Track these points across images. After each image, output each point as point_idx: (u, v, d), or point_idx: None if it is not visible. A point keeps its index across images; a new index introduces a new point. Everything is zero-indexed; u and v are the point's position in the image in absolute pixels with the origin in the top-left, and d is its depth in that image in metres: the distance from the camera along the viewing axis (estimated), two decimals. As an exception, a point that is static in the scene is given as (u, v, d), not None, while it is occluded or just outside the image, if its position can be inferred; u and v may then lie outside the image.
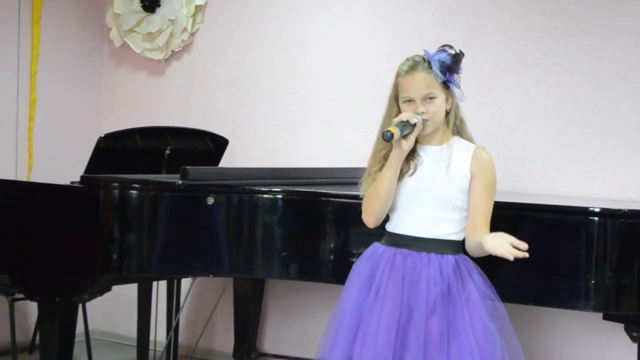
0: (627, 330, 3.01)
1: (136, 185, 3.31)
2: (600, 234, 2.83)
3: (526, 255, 2.41)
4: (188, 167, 3.35)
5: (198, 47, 4.85)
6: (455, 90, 2.63)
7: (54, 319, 3.32)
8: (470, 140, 2.70)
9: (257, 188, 3.31)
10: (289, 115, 4.52)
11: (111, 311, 5.03)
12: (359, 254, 2.81)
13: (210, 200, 3.27)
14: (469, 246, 2.63)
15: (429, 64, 2.62)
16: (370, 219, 2.70)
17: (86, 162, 3.91)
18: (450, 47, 2.64)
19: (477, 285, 2.59)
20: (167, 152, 4.12)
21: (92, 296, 3.49)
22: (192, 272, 3.69)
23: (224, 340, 4.63)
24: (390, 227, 2.70)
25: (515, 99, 3.89)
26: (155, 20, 4.86)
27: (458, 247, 2.65)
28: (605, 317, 3.12)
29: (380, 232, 2.75)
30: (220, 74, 4.76)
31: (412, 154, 2.65)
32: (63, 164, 4.72)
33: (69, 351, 3.40)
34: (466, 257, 2.65)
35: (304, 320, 4.41)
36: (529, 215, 2.93)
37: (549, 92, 3.81)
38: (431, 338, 2.52)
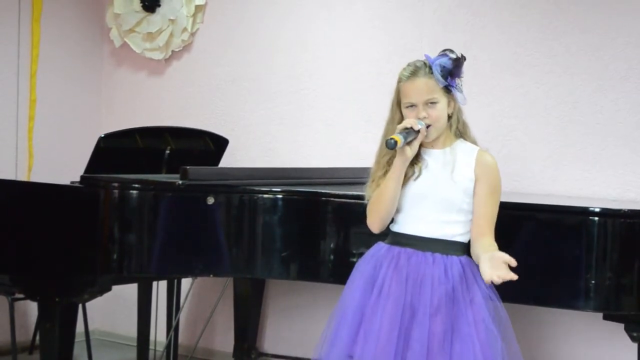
0: (627, 330, 3.01)
1: (136, 185, 3.31)
2: (600, 234, 2.83)
3: (514, 277, 2.38)
4: (188, 167, 3.35)
5: (198, 47, 4.85)
6: (457, 95, 2.63)
7: (54, 319, 3.32)
8: (473, 142, 2.70)
9: (257, 188, 3.31)
10: (289, 115, 4.53)
11: (111, 311, 5.03)
12: (360, 254, 2.81)
13: (211, 200, 3.27)
14: (473, 252, 2.63)
15: (430, 68, 2.61)
16: (375, 224, 2.70)
17: (86, 162, 3.91)
18: (452, 51, 2.64)
19: (480, 287, 2.59)
20: (167, 152, 4.12)
21: (92, 296, 3.49)
22: (192, 272, 3.69)
23: (224, 340, 4.63)
24: (394, 228, 2.70)
25: (515, 99, 3.89)
26: (156, 20, 4.86)
27: (463, 248, 2.65)
28: (605, 317, 3.12)
29: (381, 232, 2.75)
30: (220, 74, 4.76)
31: (416, 158, 2.65)
32: (63, 164, 4.73)
33: (69, 351, 3.40)
34: (471, 258, 2.65)
35: (304, 320, 4.41)
36: (529, 215, 2.93)
37: (549, 92, 3.81)
38: (434, 338, 2.52)
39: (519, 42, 3.88)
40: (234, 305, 4.37)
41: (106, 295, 3.57)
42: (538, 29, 3.84)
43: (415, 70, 2.63)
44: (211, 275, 3.54)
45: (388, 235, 2.73)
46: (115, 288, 3.58)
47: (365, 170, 2.83)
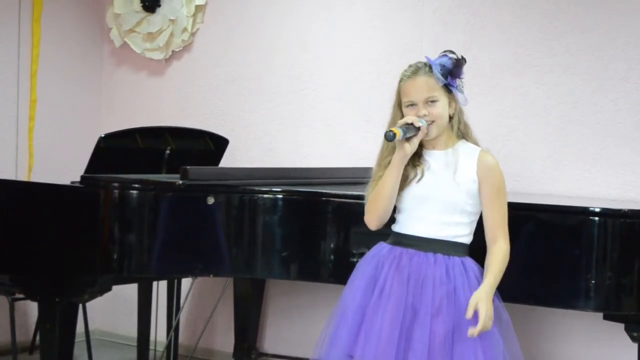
0: (627, 330, 3.01)
1: (136, 185, 3.31)
2: (600, 234, 2.83)
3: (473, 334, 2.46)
4: (188, 167, 3.35)
5: (198, 47, 4.85)
6: (458, 95, 2.64)
7: (54, 319, 3.32)
8: (475, 143, 2.70)
9: (257, 188, 3.31)
10: (289, 115, 4.53)
11: (111, 311, 5.02)
12: (360, 254, 2.81)
13: (211, 200, 3.27)
14: (487, 255, 2.63)
15: (430, 68, 2.62)
16: (372, 221, 2.70)
17: (86, 162, 3.91)
18: (452, 52, 2.65)
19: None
20: (167, 152, 4.12)
21: (92, 296, 3.49)
22: (192, 272, 3.69)
23: (224, 340, 4.63)
24: (396, 228, 2.70)
25: (515, 99, 3.89)
26: (156, 20, 4.86)
27: (466, 249, 2.65)
28: (605, 317, 3.12)
29: (381, 232, 2.75)
30: (220, 74, 4.76)
31: (418, 160, 2.65)
32: (63, 164, 4.72)
33: (69, 351, 3.40)
34: (472, 260, 2.64)
35: (304, 320, 4.41)
36: (529, 215, 2.93)
37: (549, 92, 3.81)
38: (436, 339, 2.52)
39: (519, 42, 3.88)
40: (234, 305, 4.37)
41: (106, 295, 3.57)
42: (538, 29, 3.84)
43: (415, 70, 2.64)
44: (211, 275, 3.54)
45: (389, 235, 2.73)
46: (115, 288, 3.58)
47: (365, 170, 2.83)
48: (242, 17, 4.69)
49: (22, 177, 4.73)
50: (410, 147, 2.58)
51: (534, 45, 3.85)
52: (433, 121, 2.60)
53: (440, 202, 2.61)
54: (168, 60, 4.94)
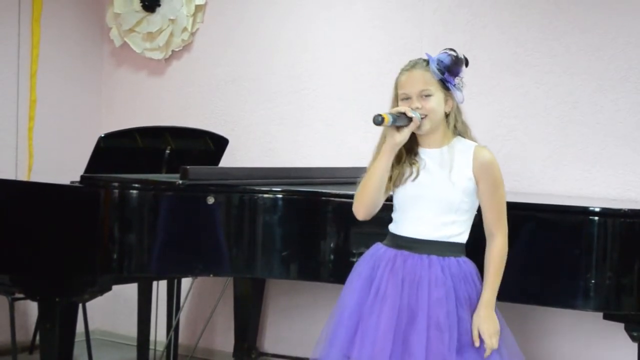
0: (627, 330, 3.01)
1: (136, 185, 3.31)
2: (600, 234, 2.83)
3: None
4: (188, 167, 3.35)
5: (198, 46, 4.85)
6: (456, 93, 2.63)
7: (54, 318, 3.32)
8: (472, 140, 2.69)
9: (257, 188, 3.31)
10: (289, 115, 4.53)
11: (111, 311, 5.02)
12: (360, 254, 2.81)
13: (211, 200, 3.27)
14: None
15: (428, 63, 2.62)
16: (360, 210, 2.69)
17: (86, 162, 3.91)
18: (453, 50, 2.64)
19: (477, 286, 2.59)
20: (167, 152, 4.12)
21: (92, 296, 3.49)
22: (192, 272, 3.69)
23: (224, 340, 4.63)
24: (392, 228, 2.70)
25: (515, 99, 3.89)
26: (156, 20, 4.86)
27: (461, 249, 2.64)
28: (605, 317, 3.12)
29: (380, 232, 2.75)
30: (220, 74, 4.76)
31: (414, 158, 2.64)
32: (63, 164, 4.72)
33: (69, 351, 3.40)
34: (468, 260, 2.64)
35: (304, 320, 4.41)
36: (529, 215, 2.93)
37: (549, 92, 3.81)
38: (433, 339, 2.52)
39: (519, 42, 3.88)
40: (234, 305, 4.37)
41: (106, 295, 3.58)
42: (538, 29, 3.84)
43: (413, 64, 2.64)
44: (211, 275, 3.54)
45: (387, 235, 2.72)
46: (115, 288, 3.58)
47: (365, 170, 2.83)
48: (242, 17, 4.69)
49: (22, 177, 4.73)
50: (401, 137, 2.56)
51: (534, 45, 3.85)
52: (426, 115, 2.58)
53: (436, 202, 2.60)
54: (168, 60, 4.94)
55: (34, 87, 4.84)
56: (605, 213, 2.84)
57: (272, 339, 4.57)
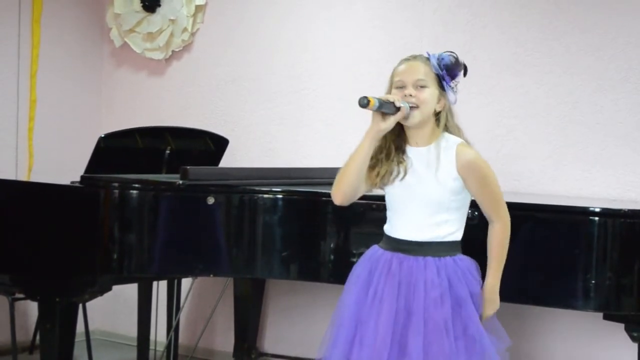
0: (627, 330, 3.01)
1: (136, 185, 3.31)
2: (600, 234, 2.83)
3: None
4: (188, 167, 3.35)
5: (198, 47, 4.85)
6: (450, 94, 2.62)
7: (54, 319, 3.32)
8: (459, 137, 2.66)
9: (257, 188, 3.31)
10: (289, 115, 4.53)
11: (111, 311, 5.02)
12: (359, 254, 2.80)
13: (211, 200, 3.27)
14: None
15: (429, 58, 2.63)
16: (337, 195, 2.66)
17: (86, 162, 3.91)
18: (454, 53, 2.64)
19: (478, 283, 2.59)
20: (167, 152, 4.12)
21: (92, 296, 3.49)
22: (192, 272, 3.70)
23: (224, 340, 4.63)
24: (387, 230, 2.69)
25: (515, 99, 3.89)
26: (156, 20, 4.86)
27: (456, 246, 2.63)
28: (605, 317, 3.12)
29: (381, 233, 2.74)
30: (220, 74, 4.76)
31: (402, 156, 2.63)
32: (63, 164, 4.72)
33: (69, 351, 3.40)
34: (464, 257, 2.64)
35: (304, 320, 4.41)
36: (529, 215, 2.93)
37: (549, 92, 3.81)
38: (430, 339, 2.52)
39: (519, 42, 3.88)
40: (234, 305, 4.37)
41: (106, 295, 3.58)
42: (538, 29, 3.84)
43: (415, 56, 2.65)
44: (211, 276, 3.54)
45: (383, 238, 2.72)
46: (115, 288, 3.58)
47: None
48: (242, 17, 4.69)
49: (22, 177, 4.73)
50: (385, 124, 2.54)
51: (534, 45, 3.85)
52: (417, 106, 2.56)
53: (425, 203, 2.59)
54: (168, 60, 4.94)
55: (34, 87, 4.84)
56: (605, 213, 2.84)
57: (272, 339, 4.57)
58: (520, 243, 2.84)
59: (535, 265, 2.89)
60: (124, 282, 3.94)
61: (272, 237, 3.28)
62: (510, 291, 2.71)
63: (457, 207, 2.61)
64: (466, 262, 2.62)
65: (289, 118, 4.53)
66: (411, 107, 2.56)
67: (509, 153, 3.84)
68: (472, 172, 2.58)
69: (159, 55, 4.92)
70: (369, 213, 3.07)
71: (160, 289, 4.33)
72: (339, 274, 3.03)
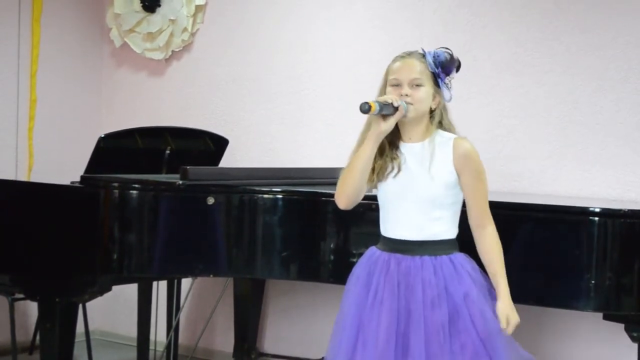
0: (627, 330, 3.01)
1: (136, 185, 3.31)
2: (600, 234, 2.83)
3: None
4: (188, 167, 3.35)
5: (198, 47, 4.85)
6: (444, 91, 2.62)
7: (54, 319, 3.32)
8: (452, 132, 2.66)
9: (257, 188, 3.31)
10: (289, 115, 4.53)
11: (111, 311, 5.02)
12: (359, 254, 2.81)
13: (211, 200, 3.27)
14: (477, 247, 2.63)
15: (424, 56, 2.63)
16: (342, 199, 2.67)
17: (86, 162, 3.91)
18: (449, 49, 2.64)
19: (474, 280, 2.59)
20: (167, 152, 4.12)
21: (92, 296, 3.49)
22: (192, 272, 3.69)
23: (224, 340, 4.63)
24: (382, 231, 2.69)
25: (515, 99, 3.89)
26: (156, 20, 4.87)
27: (452, 244, 2.63)
28: (605, 317, 3.12)
29: (380, 233, 2.75)
30: (220, 74, 4.76)
31: (395, 152, 2.64)
32: (63, 164, 4.72)
33: (69, 351, 3.40)
34: (461, 254, 2.64)
35: (304, 320, 4.41)
36: (529, 215, 2.93)
37: (549, 92, 3.81)
38: (432, 338, 2.52)
39: (519, 42, 3.88)
40: (234, 305, 4.37)
41: (106, 295, 3.58)
42: (538, 29, 3.84)
43: (409, 53, 2.66)
44: (211, 276, 3.54)
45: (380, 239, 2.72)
46: (115, 288, 3.58)
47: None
48: (242, 18, 4.69)
49: (22, 177, 4.73)
50: (386, 125, 2.54)
51: (534, 45, 3.85)
52: (412, 104, 2.56)
53: (419, 200, 2.59)
54: (168, 60, 4.95)
55: (34, 87, 4.84)
56: (605, 213, 2.84)
57: (272, 339, 4.57)
58: (520, 243, 2.85)
59: (535, 266, 2.89)
60: (124, 282, 3.94)
61: (272, 237, 3.28)
62: (511, 291, 2.70)
63: (450, 203, 2.61)
64: (463, 261, 2.62)
65: (289, 118, 4.53)
66: (407, 103, 2.57)
67: (509, 153, 3.84)
68: (469, 165, 2.59)
69: (159, 56, 4.92)
70: (369, 213, 3.06)
71: (160, 289, 4.33)
72: (339, 274, 3.04)
